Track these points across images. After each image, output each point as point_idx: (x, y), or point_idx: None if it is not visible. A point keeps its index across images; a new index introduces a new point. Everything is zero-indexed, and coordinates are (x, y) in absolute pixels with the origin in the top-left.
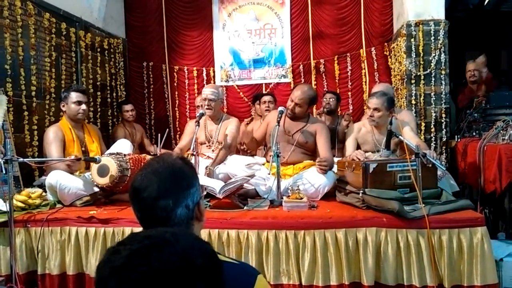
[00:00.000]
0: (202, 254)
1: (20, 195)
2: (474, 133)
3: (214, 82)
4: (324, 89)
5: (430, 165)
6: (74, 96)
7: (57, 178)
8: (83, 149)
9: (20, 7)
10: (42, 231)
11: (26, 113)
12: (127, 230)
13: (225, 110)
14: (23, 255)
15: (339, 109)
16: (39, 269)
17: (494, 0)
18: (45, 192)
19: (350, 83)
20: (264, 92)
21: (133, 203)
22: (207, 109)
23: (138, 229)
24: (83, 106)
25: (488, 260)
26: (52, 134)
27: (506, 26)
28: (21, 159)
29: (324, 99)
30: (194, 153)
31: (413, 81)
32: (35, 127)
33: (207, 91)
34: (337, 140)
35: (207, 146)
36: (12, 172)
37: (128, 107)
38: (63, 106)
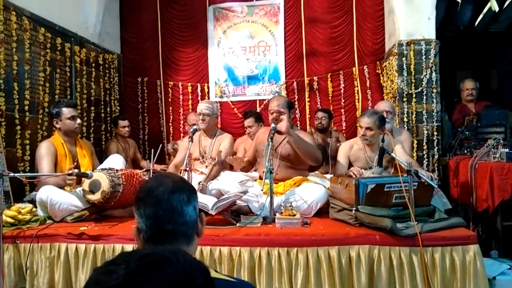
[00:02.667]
0: (202, 274)
1: (10, 210)
2: (465, 151)
3: (209, 98)
4: (318, 106)
5: (426, 183)
6: (67, 112)
7: (48, 193)
8: (75, 164)
9: (16, 21)
10: (31, 247)
11: (18, 127)
12: (118, 247)
13: (219, 126)
14: (11, 272)
15: (331, 126)
16: (27, 286)
17: (484, 20)
18: (36, 207)
19: (343, 101)
20: (258, 108)
21: (144, 202)
22: (202, 123)
23: (129, 246)
24: (78, 120)
25: (481, 278)
26: (44, 149)
27: (495, 46)
28: (12, 174)
29: (316, 118)
30: (187, 168)
31: (405, 99)
32: (27, 141)
33: (202, 106)
34: (330, 157)
35: (200, 162)
36: (2, 187)
37: (125, 122)
38: (56, 123)
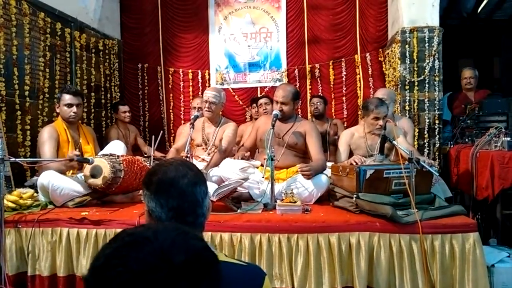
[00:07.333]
0: (185, 251)
1: (11, 195)
2: (467, 140)
3: (209, 85)
4: (319, 93)
5: (426, 170)
6: (66, 98)
7: (49, 178)
8: (77, 150)
9: (15, 6)
10: (33, 232)
11: (19, 112)
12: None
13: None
14: (13, 256)
15: (333, 113)
16: (29, 270)
17: (487, 8)
18: (37, 192)
19: (344, 88)
20: (259, 95)
21: (168, 193)
22: (207, 111)
23: None
24: (74, 109)
25: (480, 266)
26: (46, 133)
27: (499, 34)
28: (13, 159)
29: (312, 104)
30: (188, 155)
31: (407, 87)
32: (28, 127)
33: (209, 93)
34: (328, 143)
35: (203, 148)
36: (3, 172)
37: (125, 108)
38: (57, 107)
